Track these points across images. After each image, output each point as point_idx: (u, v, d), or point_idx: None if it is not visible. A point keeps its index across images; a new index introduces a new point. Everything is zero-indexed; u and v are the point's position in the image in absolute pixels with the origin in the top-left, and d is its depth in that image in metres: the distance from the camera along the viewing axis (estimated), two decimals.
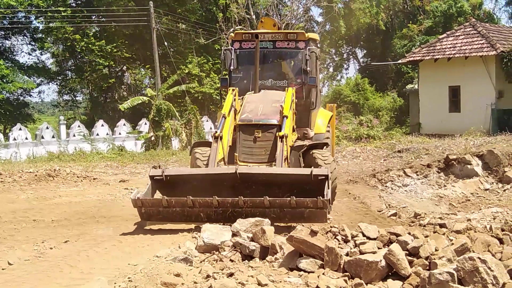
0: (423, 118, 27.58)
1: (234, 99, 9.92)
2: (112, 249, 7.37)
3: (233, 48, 10.88)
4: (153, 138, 23.90)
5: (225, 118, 9.48)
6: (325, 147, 9.93)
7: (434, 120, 26.51)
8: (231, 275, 5.04)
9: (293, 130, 10.13)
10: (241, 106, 9.96)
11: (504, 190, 11.78)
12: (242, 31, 11.62)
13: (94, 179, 14.42)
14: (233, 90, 10.16)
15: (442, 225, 8.36)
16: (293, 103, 10.01)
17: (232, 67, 10.81)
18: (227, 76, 10.99)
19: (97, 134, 26.43)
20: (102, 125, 27.34)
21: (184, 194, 7.93)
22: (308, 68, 10.59)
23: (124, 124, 28.01)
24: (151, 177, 8.51)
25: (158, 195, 8.65)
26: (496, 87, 24.52)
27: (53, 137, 25.47)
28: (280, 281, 5.11)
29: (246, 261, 5.89)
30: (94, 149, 22.87)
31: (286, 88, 10.23)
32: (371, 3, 42.71)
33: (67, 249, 7.40)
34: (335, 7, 34.57)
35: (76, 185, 13.56)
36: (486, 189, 12.02)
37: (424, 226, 9.02)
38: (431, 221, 9.39)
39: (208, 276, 5.02)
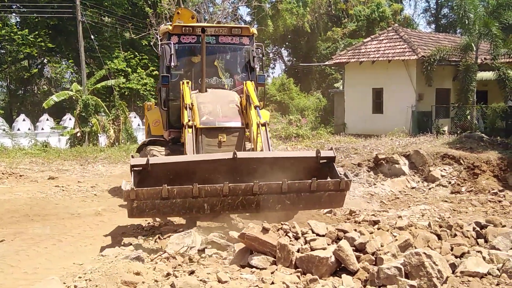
0: (348, 119, 28.46)
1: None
2: (53, 249, 7.19)
3: (171, 42, 9.83)
4: (79, 134, 23.16)
5: (191, 110, 8.78)
6: None
7: (358, 120, 27.40)
8: (192, 272, 5.06)
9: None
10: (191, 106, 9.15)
11: (430, 189, 12.45)
12: (181, 24, 10.37)
13: (20, 176, 13.82)
14: (187, 82, 9.37)
15: (376, 222, 8.72)
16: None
17: (172, 63, 9.72)
18: (168, 74, 9.80)
19: (18, 129, 25.26)
20: (24, 120, 26.16)
21: (172, 185, 6.83)
22: (256, 66, 10.18)
23: (47, 119, 26.94)
24: (132, 167, 7.18)
25: None
26: (417, 90, 25.70)
27: None
28: (237, 278, 5.18)
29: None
30: (16, 145, 21.82)
31: (244, 83, 9.59)
32: (298, 4, 43.54)
33: (4, 249, 7.14)
34: (264, 7, 34.94)
35: (2, 182, 12.95)
36: (413, 188, 12.64)
37: (359, 222, 9.36)
38: (366, 218, 9.76)
39: (168, 274, 5.01)
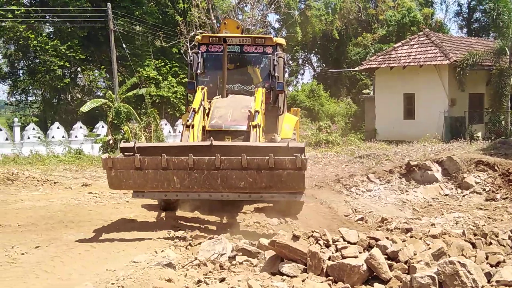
0: (379, 125, 28.22)
1: (203, 99, 9.86)
2: (86, 255, 7.26)
3: (200, 52, 10.77)
4: (111, 142, 23.47)
5: (195, 113, 9.35)
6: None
7: (389, 126, 27.14)
8: (222, 280, 5.07)
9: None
10: (209, 110, 9.85)
11: (463, 196, 12.24)
12: (209, 34, 11.30)
13: (55, 183, 14.08)
14: (202, 88, 10.08)
15: (408, 230, 8.63)
16: (263, 103, 9.93)
17: (199, 71, 10.68)
18: (194, 80, 10.72)
19: (53, 137, 25.76)
20: (58, 128, 26.67)
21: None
22: (276, 74, 10.56)
23: (81, 127, 27.44)
24: (121, 149, 8.24)
25: None
26: (449, 95, 25.36)
27: (6, 139, 24.66)
28: (268, 286, 5.17)
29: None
30: (50, 152, 22.27)
31: (256, 89, 10.19)
32: (327, 11, 43.46)
33: (39, 255, 7.22)
34: (293, 14, 34.96)
35: (37, 189, 13.20)
36: (446, 195, 12.45)
37: (391, 230, 9.28)
38: (398, 225, 9.67)
39: (199, 281, 5.03)
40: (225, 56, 10.03)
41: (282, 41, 11.55)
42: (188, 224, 9.12)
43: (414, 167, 13.31)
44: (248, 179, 7.47)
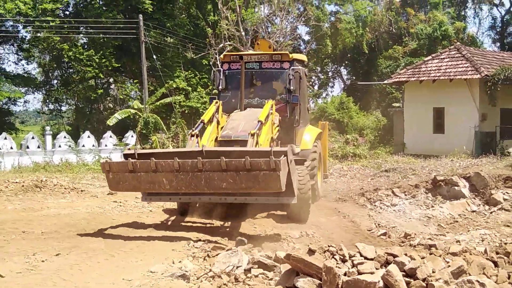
0: (408, 138, 27.90)
1: (217, 111, 10.44)
2: (105, 263, 7.29)
3: (222, 69, 11.64)
4: None
5: (203, 124, 10.04)
6: (304, 163, 10.43)
7: (418, 140, 26.82)
8: None
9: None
10: (226, 122, 10.42)
11: (491, 213, 11.96)
12: (230, 53, 12.31)
13: (81, 191, 14.26)
14: (216, 102, 10.69)
15: (432, 246, 8.44)
16: (272, 114, 10.41)
17: (220, 87, 11.49)
18: (216, 96, 11.54)
19: (83, 146, 26.19)
20: (88, 137, 27.12)
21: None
22: (292, 87, 11.05)
23: (111, 136, 27.81)
24: (124, 156, 9.06)
25: None
26: (480, 110, 24.91)
27: (38, 147, 25.19)
28: None
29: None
30: (80, 161, 22.64)
31: (266, 102, 10.65)
32: (357, 24, 43.29)
33: (59, 262, 7.29)
34: (322, 26, 34.88)
35: (64, 196, 13.40)
36: (473, 211, 12.19)
37: (415, 246, 9.12)
38: (421, 241, 9.49)
39: None
40: (242, 72, 10.72)
41: (300, 56, 12.26)
42: (208, 233, 9.12)
43: (440, 182, 13.07)
44: (229, 180, 7.96)
